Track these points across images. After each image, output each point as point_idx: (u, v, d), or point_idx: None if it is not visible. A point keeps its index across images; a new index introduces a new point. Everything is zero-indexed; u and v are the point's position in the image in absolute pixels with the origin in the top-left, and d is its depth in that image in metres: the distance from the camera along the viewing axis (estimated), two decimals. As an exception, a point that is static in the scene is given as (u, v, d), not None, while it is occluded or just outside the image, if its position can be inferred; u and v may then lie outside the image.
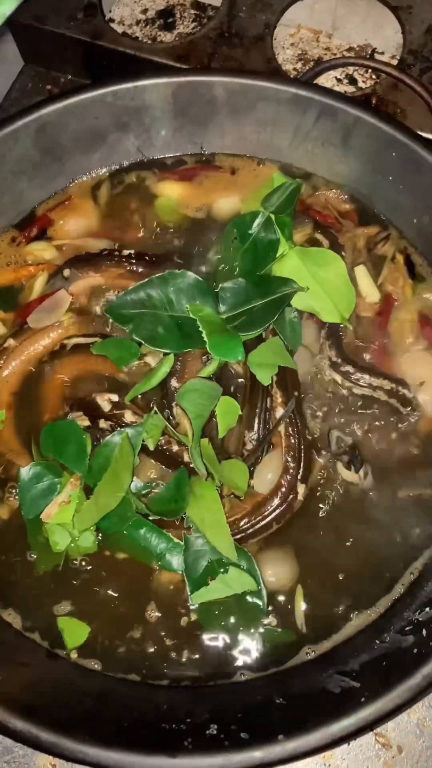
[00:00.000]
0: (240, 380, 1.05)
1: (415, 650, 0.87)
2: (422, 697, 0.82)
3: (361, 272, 1.12)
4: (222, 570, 0.96)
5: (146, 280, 1.03)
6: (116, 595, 0.99)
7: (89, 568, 1.00)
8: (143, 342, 1.00)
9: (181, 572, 0.98)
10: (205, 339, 0.98)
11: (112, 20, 1.48)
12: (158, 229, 1.17)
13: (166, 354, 1.03)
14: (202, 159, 1.23)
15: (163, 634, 0.97)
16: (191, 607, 0.97)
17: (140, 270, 1.10)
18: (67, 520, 0.99)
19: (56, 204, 1.21)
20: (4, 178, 1.15)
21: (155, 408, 1.00)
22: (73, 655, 0.96)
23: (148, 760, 0.80)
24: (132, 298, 1.02)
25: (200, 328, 0.98)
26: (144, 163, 1.24)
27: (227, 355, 0.98)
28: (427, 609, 0.94)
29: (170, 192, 1.20)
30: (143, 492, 0.99)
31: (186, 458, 1.01)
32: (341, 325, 1.08)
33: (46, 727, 0.81)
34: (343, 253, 1.12)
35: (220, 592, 0.96)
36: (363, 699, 0.82)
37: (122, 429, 1.00)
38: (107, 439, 0.99)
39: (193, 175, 1.21)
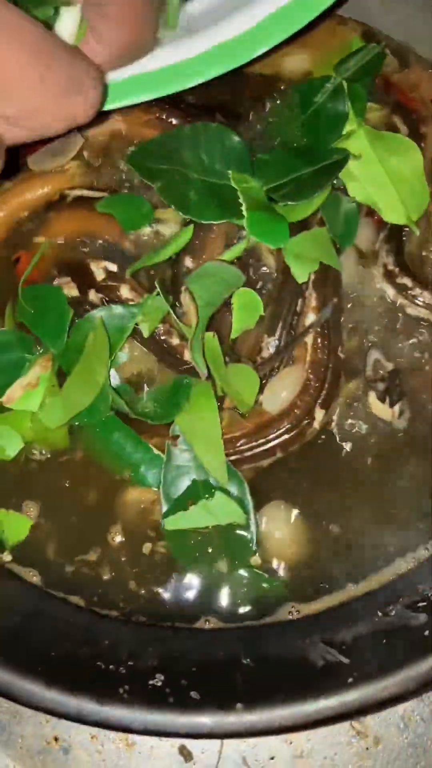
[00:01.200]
0: (267, 271, 0.86)
1: (427, 632, 0.70)
2: (426, 690, 0.65)
3: (442, 170, 0.91)
4: (207, 495, 0.81)
5: (177, 129, 0.86)
6: (75, 506, 0.84)
7: (50, 466, 0.85)
8: (173, 206, 0.82)
9: (156, 489, 0.82)
10: (244, 214, 0.80)
11: None
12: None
13: (187, 224, 0.84)
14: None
15: (123, 559, 0.82)
16: (163, 532, 0.82)
17: (173, 121, 0.91)
18: (31, 409, 0.83)
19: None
20: None
21: (159, 287, 0.81)
22: (6, 558, 0.80)
23: (68, 700, 0.66)
24: (158, 148, 0.84)
25: (240, 200, 0.80)
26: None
27: (267, 238, 0.81)
28: (449, 585, 0.76)
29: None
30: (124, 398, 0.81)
31: (186, 356, 0.83)
32: (406, 229, 0.89)
33: None
34: (422, 144, 0.92)
35: (199, 520, 0.81)
36: (350, 680, 0.67)
37: (115, 306, 0.82)
38: (91, 313, 0.81)
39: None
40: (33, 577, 0.81)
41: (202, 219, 0.83)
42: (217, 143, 0.85)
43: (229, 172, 0.83)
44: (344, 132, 0.89)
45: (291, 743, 0.87)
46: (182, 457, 0.81)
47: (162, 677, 0.70)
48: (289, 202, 0.81)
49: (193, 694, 0.68)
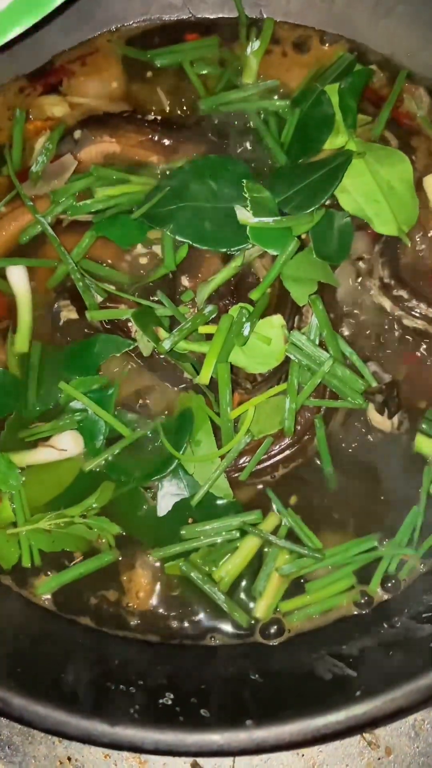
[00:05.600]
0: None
1: (432, 643, 0.70)
2: (433, 702, 0.65)
3: (433, 182, 0.92)
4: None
5: (178, 167, 0.89)
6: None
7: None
8: (190, 241, 0.84)
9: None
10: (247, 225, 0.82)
11: None
12: (193, 100, 0.98)
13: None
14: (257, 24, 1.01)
15: (130, 582, 0.82)
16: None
17: (165, 141, 0.92)
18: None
19: (78, 56, 1.02)
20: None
21: (161, 298, 0.82)
22: (5, 581, 0.81)
23: (81, 723, 0.66)
24: (166, 192, 0.86)
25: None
26: (190, 22, 1.03)
27: (270, 244, 0.82)
28: (454, 595, 0.77)
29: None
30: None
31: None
32: (400, 242, 0.89)
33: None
34: (413, 157, 0.94)
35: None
36: (358, 693, 0.67)
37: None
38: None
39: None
40: (45, 600, 0.81)
41: (219, 248, 0.84)
42: (221, 170, 0.87)
43: (243, 182, 0.84)
44: (337, 147, 0.91)
45: (303, 756, 0.87)
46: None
47: (172, 696, 0.70)
48: (300, 212, 0.83)
49: (203, 711, 0.68)
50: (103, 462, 0.82)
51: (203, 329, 0.82)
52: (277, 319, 0.81)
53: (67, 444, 0.81)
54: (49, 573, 0.81)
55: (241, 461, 0.82)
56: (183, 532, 0.80)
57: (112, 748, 0.66)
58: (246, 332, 0.80)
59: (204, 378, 0.78)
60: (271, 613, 0.80)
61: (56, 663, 0.73)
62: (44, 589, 0.80)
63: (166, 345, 0.80)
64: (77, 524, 0.80)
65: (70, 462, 0.82)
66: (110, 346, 0.84)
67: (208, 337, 0.82)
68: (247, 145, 0.95)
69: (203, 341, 0.82)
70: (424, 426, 0.84)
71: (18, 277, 0.88)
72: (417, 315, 0.86)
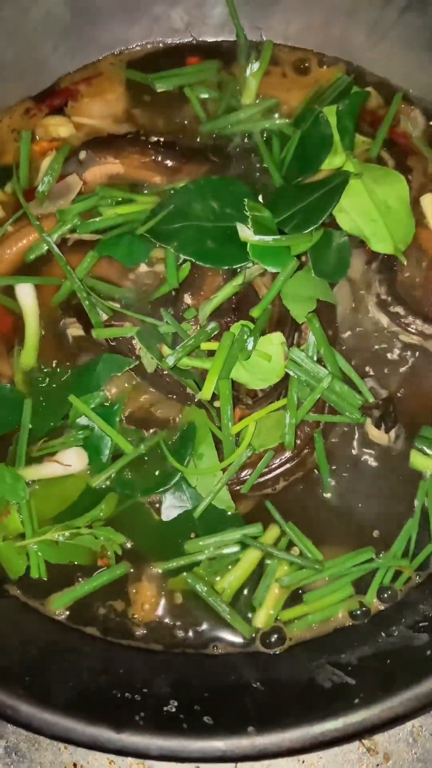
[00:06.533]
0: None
1: (429, 651, 0.73)
2: (431, 709, 0.67)
3: (430, 202, 0.96)
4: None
5: (181, 187, 0.90)
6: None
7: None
8: (193, 259, 0.86)
9: None
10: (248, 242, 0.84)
11: None
12: (195, 121, 1.01)
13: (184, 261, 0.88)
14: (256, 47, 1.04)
15: (134, 592, 0.84)
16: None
17: (168, 163, 0.95)
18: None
19: (83, 78, 1.04)
20: (26, 38, 0.98)
21: (165, 316, 0.85)
22: (13, 591, 0.82)
23: (87, 729, 0.68)
24: (169, 210, 0.88)
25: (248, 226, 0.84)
26: (192, 46, 1.06)
27: (272, 263, 0.84)
28: (449, 605, 0.79)
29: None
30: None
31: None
32: (397, 260, 0.91)
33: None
34: (409, 177, 0.96)
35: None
36: (357, 700, 0.69)
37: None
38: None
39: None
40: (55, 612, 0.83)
41: (220, 266, 0.86)
42: (223, 191, 0.89)
43: (245, 202, 0.86)
44: (335, 167, 0.93)
45: (303, 762, 0.89)
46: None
47: (176, 703, 0.72)
48: (300, 232, 0.85)
49: (206, 719, 0.70)
50: (109, 477, 0.84)
51: (206, 346, 0.84)
52: (277, 337, 0.83)
53: (72, 460, 0.84)
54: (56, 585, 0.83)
55: (243, 474, 0.84)
56: (186, 546, 0.82)
57: (118, 755, 0.68)
58: (249, 347, 0.82)
59: (206, 393, 0.81)
60: (272, 622, 0.82)
61: (63, 671, 0.75)
62: (58, 604, 0.82)
63: (170, 361, 0.82)
64: (84, 535, 0.82)
65: (76, 477, 0.84)
66: (113, 365, 0.86)
67: (211, 353, 0.84)
68: (248, 165, 0.97)
69: (206, 358, 0.84)
70: (417, 443, 0.86)
71: (26, 294, 0.91)
72: (413, 331, 0.88)
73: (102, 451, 0.84)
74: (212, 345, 0.83)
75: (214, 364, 0.81)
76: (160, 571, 0.83)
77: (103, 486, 0.84)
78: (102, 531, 0.83)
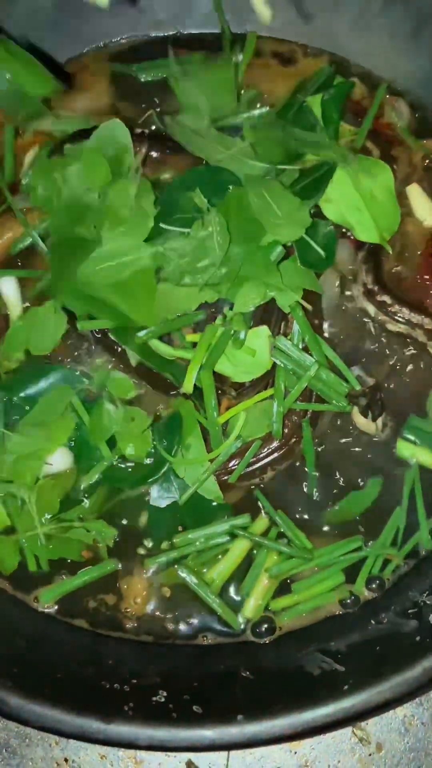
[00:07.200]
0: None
1: (418, 638, 0.74)
2: (419, 694, 0.69)
3: (416, 191, 0.96)
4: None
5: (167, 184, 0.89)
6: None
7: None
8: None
9: None
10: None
11: None
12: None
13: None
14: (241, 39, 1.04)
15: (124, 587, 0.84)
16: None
17: (153, 154, 0.94)
18: None
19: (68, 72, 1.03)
20: (11, 32, 0.98)
21: None
22: (1, 584, 0.82)
23: (76, 720, 0.68)
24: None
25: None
26: (177, 38, 1.06)
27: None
28: (437, 591, 0.79)
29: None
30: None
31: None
32: (383, 249, 0.91)
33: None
34: (394, 166, 0.96)
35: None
36: (346, 687, 0.69)
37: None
38: None
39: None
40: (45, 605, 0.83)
41: None
42: (209, 179, 0.87)
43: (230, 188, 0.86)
44: (320, 155, 0.93)
45: (295, 753, 0.89)
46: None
47: (165, 693, 0.72)
48: None
49: (196, 708, 0.70)
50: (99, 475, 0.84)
51: (190, 337, 0.84)
52: (263, 330, 0.83)
53: (55, 459, 0.83)
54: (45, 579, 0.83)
55: (231, 464, 0.84)
56: (175, 540, 0.82)
57: (107, 745, 0.68)
58: (242, 336, 0.82)
59: (187, 386, 0.80)
60: (261, 612, 0.82)
61: (52, 663, 0.75)
62: (47, 598, 0.82)
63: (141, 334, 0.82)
64: (76, 528, 0.82)
65: (64, 475, 0.84)
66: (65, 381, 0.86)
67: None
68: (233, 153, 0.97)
69: (190, 349, 0.84)
70: (405, 432, 0.86)
71: (8, 288, 0.90)
72: (400, 320, 0.88)
73: (92, 451, 0.84)
74: (195, 337, 0.83)
75: (195, 356, 0.81)
76: (150, 565, 0.83)
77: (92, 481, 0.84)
78: (94, 524, 0.82)
